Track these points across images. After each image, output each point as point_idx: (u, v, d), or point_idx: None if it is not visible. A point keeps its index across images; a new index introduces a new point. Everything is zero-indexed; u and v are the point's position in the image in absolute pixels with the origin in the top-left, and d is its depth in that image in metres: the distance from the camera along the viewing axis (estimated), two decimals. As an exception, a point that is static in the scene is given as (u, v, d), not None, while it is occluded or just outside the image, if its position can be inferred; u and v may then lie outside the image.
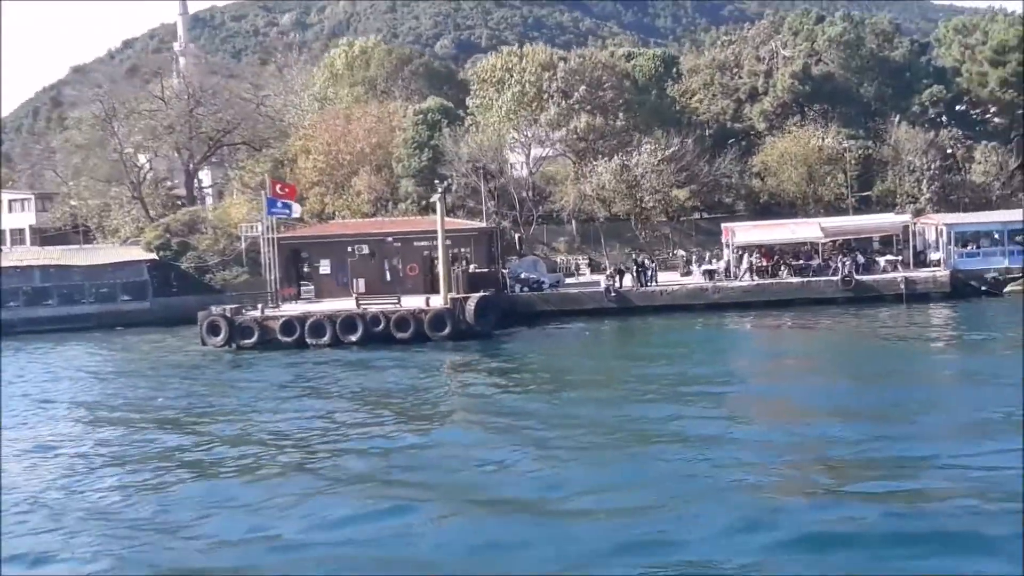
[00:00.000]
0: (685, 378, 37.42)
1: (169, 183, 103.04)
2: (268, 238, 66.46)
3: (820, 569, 17.21)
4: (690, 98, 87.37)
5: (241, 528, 19.91)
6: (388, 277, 69.09)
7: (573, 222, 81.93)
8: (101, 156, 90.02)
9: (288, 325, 56.83)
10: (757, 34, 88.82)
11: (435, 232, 67.82)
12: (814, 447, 25.53)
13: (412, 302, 58.53)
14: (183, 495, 22.76)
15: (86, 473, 25.64)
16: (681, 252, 78.19)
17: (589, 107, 79.18)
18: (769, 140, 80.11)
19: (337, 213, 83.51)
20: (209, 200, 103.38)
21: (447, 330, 55.78)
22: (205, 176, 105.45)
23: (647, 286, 66.45)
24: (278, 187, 66.57)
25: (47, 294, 77.02)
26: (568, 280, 73.37)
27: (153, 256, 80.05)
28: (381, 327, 56.09)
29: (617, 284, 66.16)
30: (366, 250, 69.10)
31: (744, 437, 25.88)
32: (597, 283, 69.66)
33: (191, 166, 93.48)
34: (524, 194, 79.80)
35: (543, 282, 68.90)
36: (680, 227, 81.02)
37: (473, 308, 56.75)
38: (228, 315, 58.00)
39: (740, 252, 68.27)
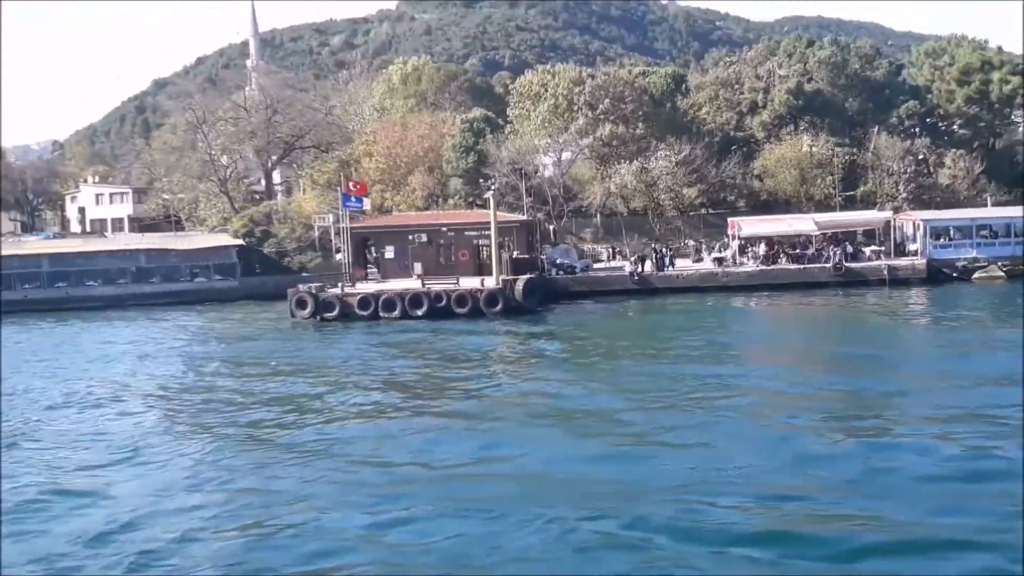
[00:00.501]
0: (718, 345, 38.42)
1: (248, 180, 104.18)
2: (342, 227, 67.23)
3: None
4: (698, 110, 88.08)
5: (404, 455, 21.05)
6: (442, 261, 69.84)
7: (598, 216, 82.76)
8: (192, 156, 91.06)
9: (364, 301, 57.78)
10: (755, 56, 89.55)
11: (483, 223, 69.06)
12: (839, 397, 26.44)
13: (468, 283, 59.40)
14: (349, 432, 23.94)
15: (265, 414, 26.91)
16: (691, 242, 79.01)
17: (613, 117, 79.92)
18: (767, 147, 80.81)
19: (395, 207, 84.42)
20: (279, 196, 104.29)
21: (499, 307, 56.57)
22: (275, 175, 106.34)
23: (665, 271, 67.28)
24: (351, 184, 67.27)
25: (151, 273, 78.22)
26: (596, 265, 74.16)
27: (239, 242, 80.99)
28: (443, 303, 56.96)
29: (639, 269, 67.09)
30: (424, 238, 69.76)
31: (784, 388, 26.89)
32: (621, 268, 70.80)
33: (268, 166, 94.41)
34: (555, 192, 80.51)
35: (575, 267, 69.83)
36: (690, 221, 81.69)
37: (522, 288, 57.57)
38: (313, 292, 59.00)
39: (744, 242, 69.12)
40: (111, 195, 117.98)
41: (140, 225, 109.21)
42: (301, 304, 58.75)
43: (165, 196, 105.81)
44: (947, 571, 14.18)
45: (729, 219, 72.86)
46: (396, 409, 26.26)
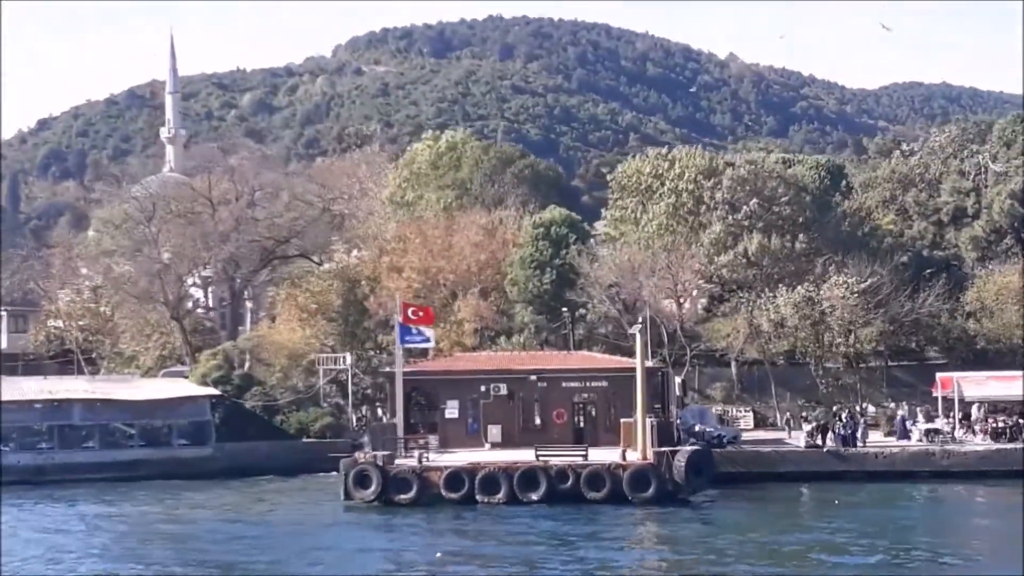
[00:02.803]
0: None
1: (194, 302, 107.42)
2: (394, 373, 70.20)
3: None
4: (865, 217, 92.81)
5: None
6: (527, 423, 72.75)
7: (733, 364, 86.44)
8: (137, 268, 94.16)
9: (455, 478, 60.64)
10: (947, 144, 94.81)
11: (588, 371, 73.25)
12: None
13: (600, 456, 62.49)
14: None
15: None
16: (870, 406, 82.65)
17: (762, 224, 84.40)
18: (983, 272, 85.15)
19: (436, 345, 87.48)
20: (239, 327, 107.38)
21: (651, 490, 59.57)
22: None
23: (857, 445, 70.64)
24: (410, 311, 70.75)
25: (87, 435, 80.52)
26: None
27: (212, 391, 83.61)
28: (569, 484, 59.89)
29: (819, 442, 70.58)
30: (503, 390, 72.89)
31: None
32: (780, 440, 74.52)
33: (238, 282, 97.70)
34: (674, 328, 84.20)
35: (723, 436, 73.19)
36: (867, 375, 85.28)
37: (684, 464, 60.59)
38: (380, 464, 61.72)
39: (969, 408, 73.03)
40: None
41: (24, 363, 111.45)
42: (362, 481, 61.46)
43: (54, 324, 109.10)
44: None
45: (938, 375, 76.70)
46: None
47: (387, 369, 75.57)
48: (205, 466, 78.62)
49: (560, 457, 62.11)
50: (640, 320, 66.28)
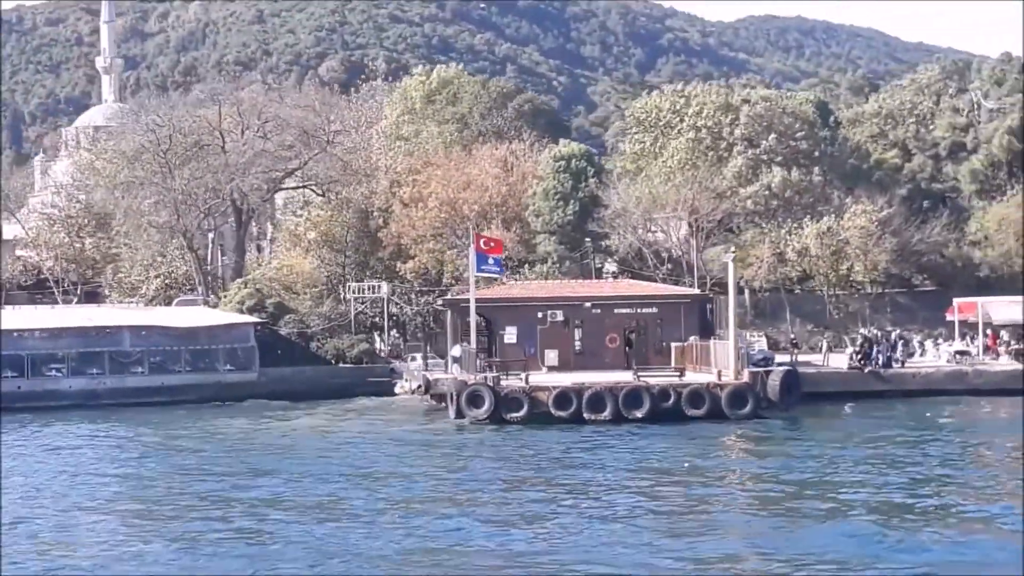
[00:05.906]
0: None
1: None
2: (468, 299, 74.13)
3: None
4: (856, 151, 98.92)
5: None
6: (582, 347, 77.39)
7: (746, 292, 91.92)
8: (153, 199, 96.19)
9: (563, 397, 64.67)
10: (933, 81, 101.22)
11: (640, 298, 77.95)
12: None
13: (695, 377, 67.65)
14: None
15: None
16: (873, 331, 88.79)
17: (780, 159, 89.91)
18: (979, 205, 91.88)
19: (452, 274, 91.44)
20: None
21: (748, 407, 64.77)
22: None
23: (894, 366, 76.77)
24: (482, 241, 74.73)
25: (137, 361, 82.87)
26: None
27: (254, 319, 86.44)
28: (670, 402, 64.75)
29: (861, 363, 76.48)
30: (559, 317, 77.32)
31: None
32: (809, 363, 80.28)
33: (245, 211, 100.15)
34: (690, 258, 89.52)
35: (768, 359, 78.49)
36: (876, 302, 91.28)
37: (779, 384, 66.10)
38: (491, 384, 65.81)
39: (997, 330, 79.48)
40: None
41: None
42: (475, 400, 65.25)
43: (25, 254, 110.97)
44: None
45: (956, 300, 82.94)
46: None
47: (448, 297, 80.00)
48: (251, 390, 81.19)
49: (657, 377, 67.00)
50: (732, 249, 70.92)
